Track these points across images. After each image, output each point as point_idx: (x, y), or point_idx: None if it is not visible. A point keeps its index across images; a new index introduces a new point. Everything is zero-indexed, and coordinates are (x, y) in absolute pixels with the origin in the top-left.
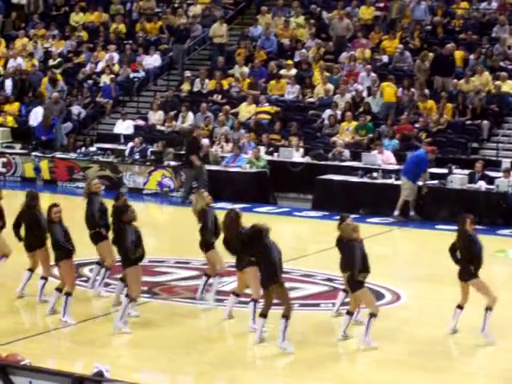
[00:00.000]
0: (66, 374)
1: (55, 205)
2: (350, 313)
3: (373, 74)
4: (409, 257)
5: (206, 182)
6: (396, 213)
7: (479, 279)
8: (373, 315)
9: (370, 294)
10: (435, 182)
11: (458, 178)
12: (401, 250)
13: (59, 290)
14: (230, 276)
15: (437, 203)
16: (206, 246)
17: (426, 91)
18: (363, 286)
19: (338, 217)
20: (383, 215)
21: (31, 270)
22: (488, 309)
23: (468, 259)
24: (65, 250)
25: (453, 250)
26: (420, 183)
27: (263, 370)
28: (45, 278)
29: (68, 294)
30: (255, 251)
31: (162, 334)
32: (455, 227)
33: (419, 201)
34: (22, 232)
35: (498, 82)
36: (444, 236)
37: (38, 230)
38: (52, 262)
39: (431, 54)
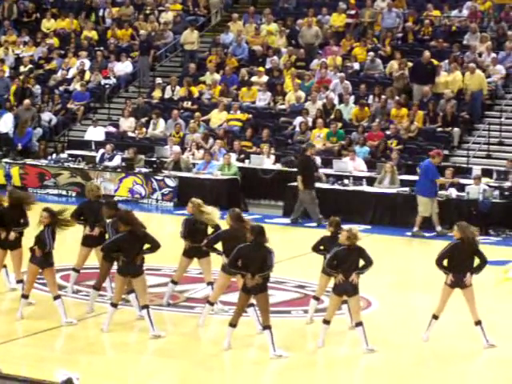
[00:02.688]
0: (35, 382)
1: (43, 209)
2: (327, 321)
3: (346, 82)
4: (379, 263)
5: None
6: (415, 229)
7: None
8: (361, 324)
9: None
10: (406, 189)
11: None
12: (371, 256)
13: (26, 296)
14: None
15: (408, 210)
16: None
17: (397, 98)
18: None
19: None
20: (354, 222)
21: None
22: (479, 323)
23: (470, 266)
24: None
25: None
26: (445, 193)
27: (240, 376)
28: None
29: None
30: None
31: (134, 340)
32: (427, 234)
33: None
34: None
35: (467, 78)
36: (415, 243)
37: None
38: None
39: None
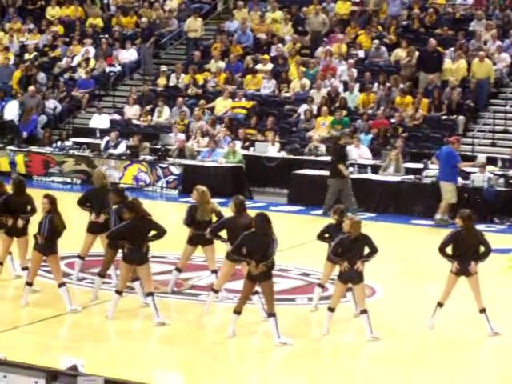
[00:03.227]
0: (40, 369)
1: (44, 196)
2: (331, 309)
3: (352, 69)
4: (384, 251)
5: (351, 193)
6: (438, 216)
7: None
8: (366, 311)
9: None
10: (411, 176)
11: (433, 173)
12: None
13: (30, 283)
14: (204, 271)
15: (412, 198)
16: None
17: (401, 86)
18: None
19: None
20: (359, 210)
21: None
22: (483, 311)
23: (475, 254)
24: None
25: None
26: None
27: (244, 364)
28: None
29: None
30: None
31: (138, 327)
32: (431, 222)
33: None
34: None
35: (476, 65)
36: (419, 231)
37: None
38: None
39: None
